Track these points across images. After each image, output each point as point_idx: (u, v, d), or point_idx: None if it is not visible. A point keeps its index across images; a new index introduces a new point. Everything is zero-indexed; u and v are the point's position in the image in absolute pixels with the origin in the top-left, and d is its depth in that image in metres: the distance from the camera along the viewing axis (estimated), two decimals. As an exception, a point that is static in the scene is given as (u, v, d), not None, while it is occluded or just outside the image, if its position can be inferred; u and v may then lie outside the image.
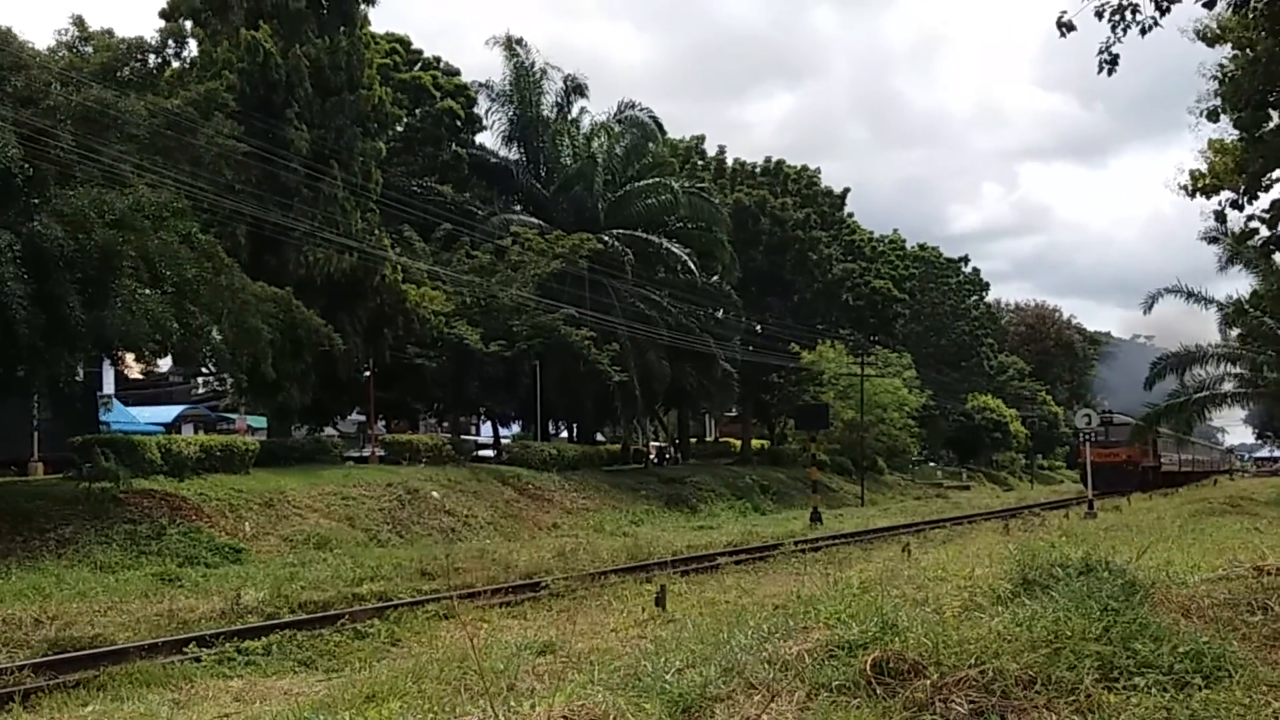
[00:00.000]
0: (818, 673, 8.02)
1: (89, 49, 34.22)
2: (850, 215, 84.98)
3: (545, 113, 61.43)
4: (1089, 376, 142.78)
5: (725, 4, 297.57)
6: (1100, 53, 14.45)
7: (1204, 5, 15.97)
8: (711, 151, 75.52)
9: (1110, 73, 14.55)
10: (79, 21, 34.61)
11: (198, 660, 13.64)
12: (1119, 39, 14.25)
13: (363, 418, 49.54)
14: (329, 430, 47.23)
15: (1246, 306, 39.68)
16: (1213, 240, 36.19)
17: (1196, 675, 7.99)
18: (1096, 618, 8.85)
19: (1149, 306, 44.87)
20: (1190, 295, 42.82)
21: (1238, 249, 35.06)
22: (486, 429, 62.55)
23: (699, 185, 64.25)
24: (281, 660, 13.13)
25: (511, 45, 60.50)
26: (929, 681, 7.76)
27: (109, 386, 44.82)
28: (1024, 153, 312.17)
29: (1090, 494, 53.05)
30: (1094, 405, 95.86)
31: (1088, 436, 57.79)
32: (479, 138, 60.89)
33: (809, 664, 8.21)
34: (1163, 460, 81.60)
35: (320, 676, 11.74)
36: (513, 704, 7.86)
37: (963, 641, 8.34)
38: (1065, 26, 14.12)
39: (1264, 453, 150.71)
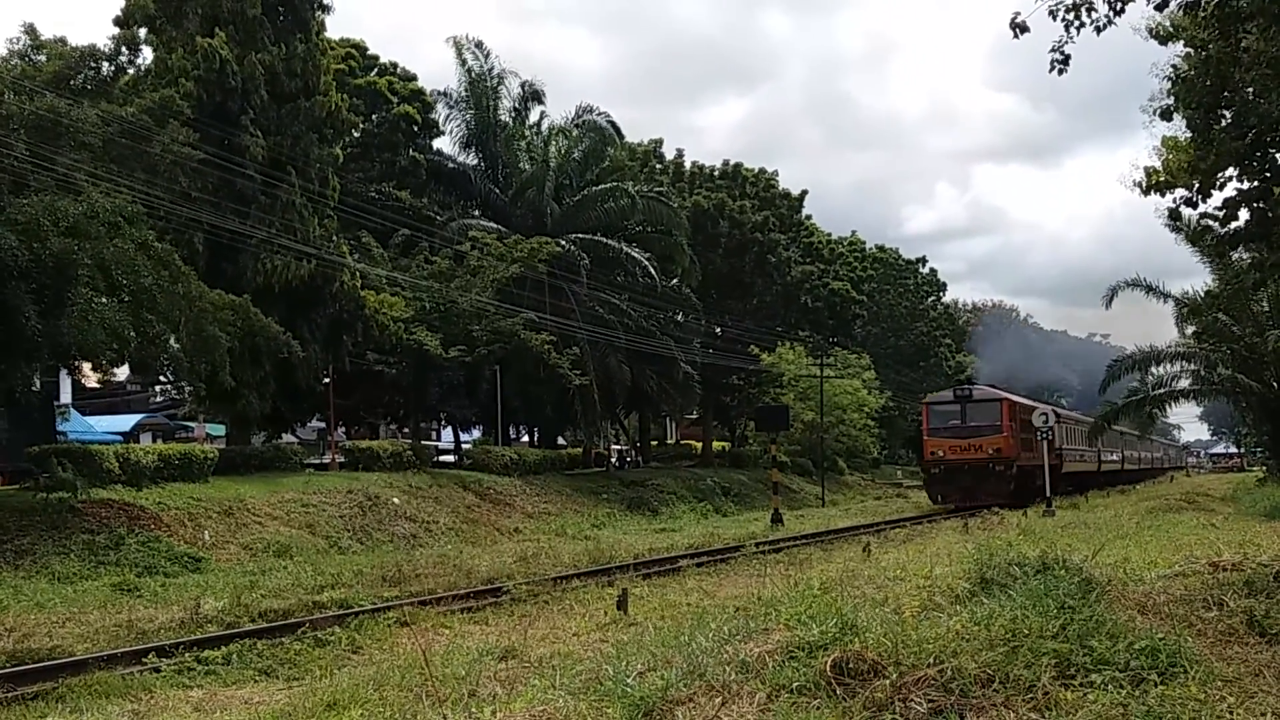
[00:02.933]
0: (778, 674, 8.06)
1: (41, 57, 34.06)
2: (809, 217, 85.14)
3: (502, 117, 61.38)
4: (1049, 375, 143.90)
5: (677, 9, 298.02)
6: (1052, 51, 14.53)
7: (1156, 8, 16.09)
8: (670, 155, 75.56)
9: (1062, 72, 14.63)
10: (31, 29, 34.47)
11: (157, 671, 13.56)
12: (1072, 39, 14.35)
13: (323, 424, 49.37)
14: (289, 437, 46.99)
15: (1201, 304, 40.01)
16: (1175, 229, 36.52)
17: (1152, 672, 8.06)
18: (1053, 616, 8.93)
19: (1109, 300, 45.32)
20: (1148, 289, 43.24)
21: (1194, 245, 35.36)
22: (447, 434, 62.35)
23: (658, 189, 64.26)
24: (242, 669, 13.08)
25: (461, 51, 60.43)
26: (888, 681, 7.80)
27: (66, 396, 44.59)
28: (977, 154, 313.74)
29: (938, 506, 50.69)
30: (1056, 402, 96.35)
31: (936, 424, 51.87)
32: (436, 143, 60.79)
33: (770, 665, 8.25)
34: (1078, 456, 63.18)
35: (281, 685, 11.70)
36: (474, 710, 7.88)
37: (922, 641, 8.39)
38: (1019, 28, 14.20)
39: (1219, 449, 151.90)
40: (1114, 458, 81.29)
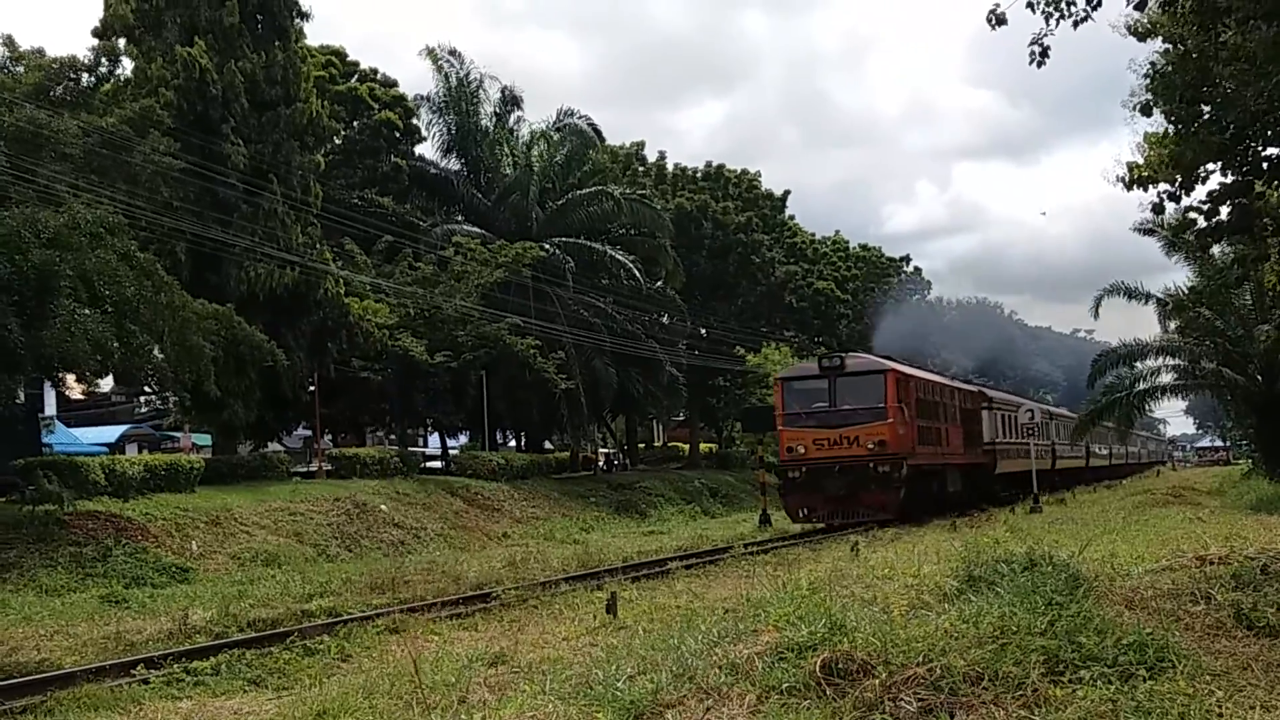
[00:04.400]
0: (768, 675, 8.07)
1: (20, 69, 33.94)
2: (791, 218, 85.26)
3: (484, 122, 61.37)
4: (1033, 371, 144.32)
5: (654, 11, 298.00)
6: (1032, 44, 14.56)
7: (1135, 7, 16.14)
8: (652, 157, 75.62)
9: (1041, 64, 14.65)
10: (9, 41, 34.33)
11: (146, 682, 13.52)
12: (1051, 31, 14.37)
13: (309, 433, 49.26)
14: (275, 446, 46.91)
15: (1185, 301, 40.15)
16: (1148, 232, 36.63)
17: (1141, 667, 8.09)
18: (1041, 612, 8.95)
19: (1096, 309, 45.46)
20: (1131, 294, 43.38)
21: (1175, 239, 35.45)
22: (434, 440, 62.28)
23: (640, 191, 64.30)
24: (231, 680, 13.05)
25: (436, 56, 60.39)
26: (878, 681, 7.82)
27: (50, 408, 44.41)
28: (957, 152, 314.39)
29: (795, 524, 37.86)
30: (1039, 399, 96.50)
31: (795, 409, 37.92)
32: (418, 149, 60.74)
33: (759, 667, 8.26)
34: (997, 449, 49.43)
35: (270, 695, 11.67)
36: (464, 716, 7.88)
37: (910, 640, 8.41)
38: (997, 20, 14.22)
39: (1204, 443, 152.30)
40: (1103, 453, 78.32)
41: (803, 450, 36.82)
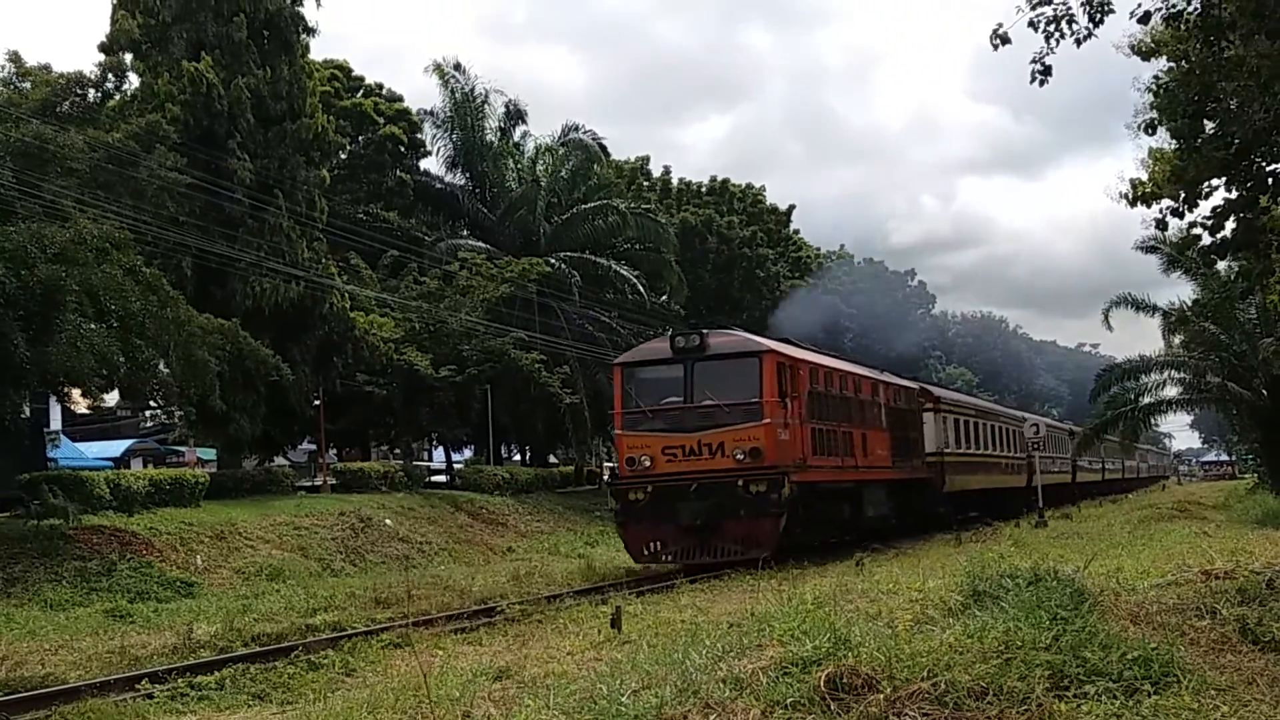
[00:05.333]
0: (772, 690, 8.07)
1: (27, 84, 34.04)
2: (796, 232, 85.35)
3: (488, 137, 61.45)
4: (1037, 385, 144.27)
5: (657, 27, 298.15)
6: (1033, 62, 14.61)
7: (1139, 21, 16.18)
8: (656, 172, 75.70)
9: (1043, 83, 14.72)
10: (15, 57, 34.44)
11: (150, 697, 13.52)
12: (1052, 50, 14.42)
13: (314, 447, 49.29)
14: (280, 460, 46.95)
15: (1189, 314, 40.15)
16: (1150, 250, 36.66)
17: (1145, 682, 8.09)
18: (1046, 627, 8.95)
19: (1106, 319, 45.53)
20: (1138, 306, 43.41)
21: (1178, 256, 35.46)
22: (439, 454, 62.31)
23: (645, 206, 64.37)
24: (235, 694, 13.04)
25: (443, 71, 60.50)
26: (882, 696, 7.81)
27: (56, 422, 44.45)
28: (961, 166, 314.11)
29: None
30: (1046, 412, 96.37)
31: (639, 404, 28.38)
32: (423, 163, 60.90)
33: (764, 681, 8.26)
34: (946, 461, 41.15)
35: (275, 709, 11.67)
36: (468, 731, 7.87)
37: (915, 654, 8.40)
38: (1001, 39, 14.26)
39: (1210, 457, 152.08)
40: (1094, 467, 72.31)
41: (648, 462, 27.43)
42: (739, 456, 26.73)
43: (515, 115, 62.27)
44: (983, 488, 46.56)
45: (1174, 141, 21.04)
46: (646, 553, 27.76)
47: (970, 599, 10.72)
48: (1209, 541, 20.90)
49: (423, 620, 19.26)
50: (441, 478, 52.32)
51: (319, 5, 42.04)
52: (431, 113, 60.42)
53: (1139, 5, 15.71)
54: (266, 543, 31.94)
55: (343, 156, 52.82)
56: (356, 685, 12.36)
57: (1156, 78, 20.96)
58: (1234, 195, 19.47)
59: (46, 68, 35.15)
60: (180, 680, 14.04)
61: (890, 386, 38.16)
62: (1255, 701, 8.18)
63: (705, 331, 29.36)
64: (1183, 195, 20.33)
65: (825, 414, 30.87)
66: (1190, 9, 15.42)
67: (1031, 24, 14.14)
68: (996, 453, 50.10)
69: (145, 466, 46.44)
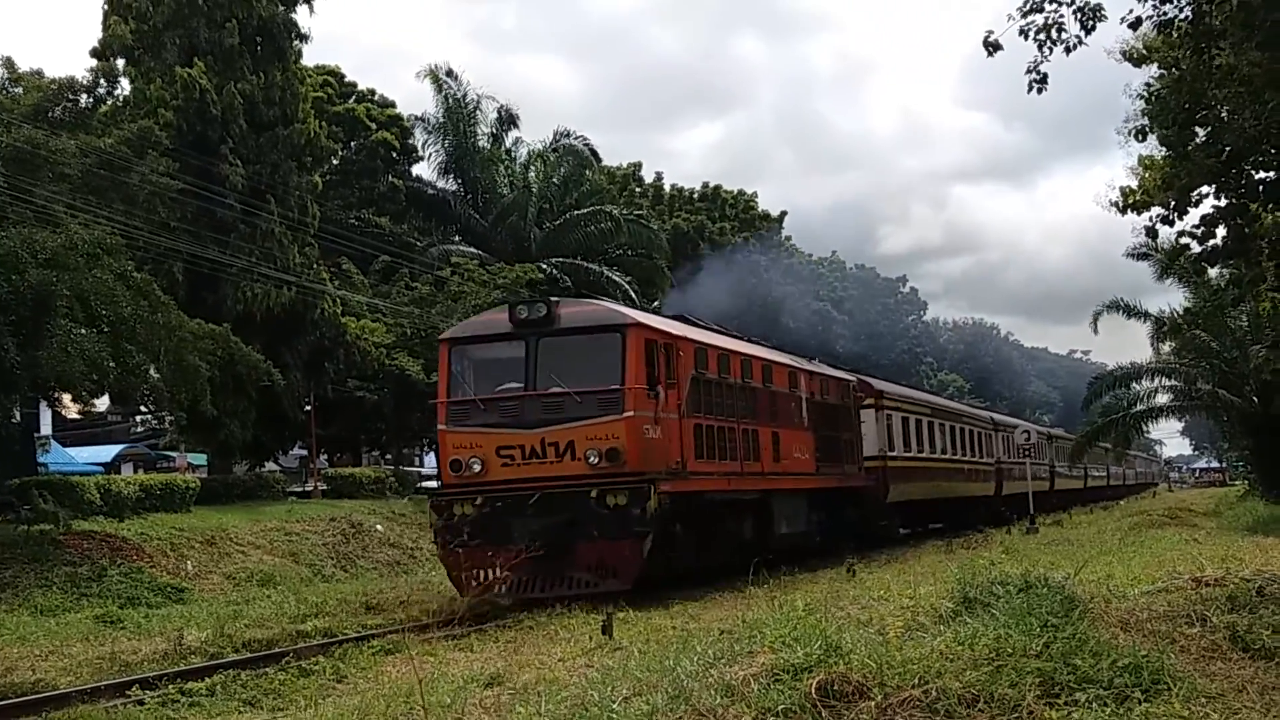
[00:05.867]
0: (763, 697, 8.06)
1: (19, 90, 34.04)
2: (788, 238, 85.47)
3: (480, 143, 61.47)
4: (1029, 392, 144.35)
5: (649, 34, 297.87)
6: (1029, 72, 14.64)
7: (1130, 26, 16.21)
8: (649, 178, 75.78)
9: (1040, 91, 14.75)
10: (8, 62, 34.48)
11: (141, 703, 13.48)
12: (1046, 58, 14.45)
13: (305, 452, 49.24)
14: (271, 466, 46.88)
15: (1180, 321, 40.27)
16: (1141, 256, 36.75)
17: (1136, 689, 8.10)
18: (1037, 634, 8.96)
19: (1095, 324, 45.64)
20: (1128, 311, 43.54)
21: (1169, 264, 35.58)
22: (430, 460, 62.23)
23: (637, 212, 64.42)
24: (226, 700, 13.01)
25: (436, 77, 60.50)
26: (873, 703, 7.82)
27: (46, 427, 44.38)
28: (951, 174, 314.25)
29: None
30: (1038, 419, 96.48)
31: (466, 393, 23.14)
32: (415, 169, 60.90)
33: (755, 688, 8.25)
34: (889, 468, 36.08)
35: (266, 716, 11.66)
36: (459, 738, 7.88)
37: (906, 661, 8.41)
38: (992, 46, 14.29)
39: (1201, 464, 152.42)
40: (1073, 474, 67.15)
41: (478, 467, 21.92)
42: (593, 460, 21.25)
43: (507, 121, 62.31)
44: (938, 497, 42.34)
45: (1164, 149, 21.12)
46: (475, 582, 21.58)
47: (961, 606, 10.73)
48: (1199, 548, 20.99)
49: (414, 626, 19.24)
50: (433, 483, 52.24)
51: (311, 11, 42.10)
52: (423, 118, 60.46)
53: (1130, 11, 15.74)
54: (258, 548, 31.90)
55: (335, 162, 52.88)
56: (348, 692, 12.34)
57: (1148, 84, 21.04)
58: (1224, 203, 19.55)
59: (39, 73, 35.15)
60: (171, 686, 14.01)
61: (816, 377, 32.13)
62: (1245, 709, 8.20)
63: (555, 300, 23.79)
64: (1173, 203, 20.41)
65: (718, 407, 25.01)
66: (1181, 17, 15.45)
67: (1022, 32, 14.17)
68: (956, 457, 45.36)
69: (136, 472, 46.27)
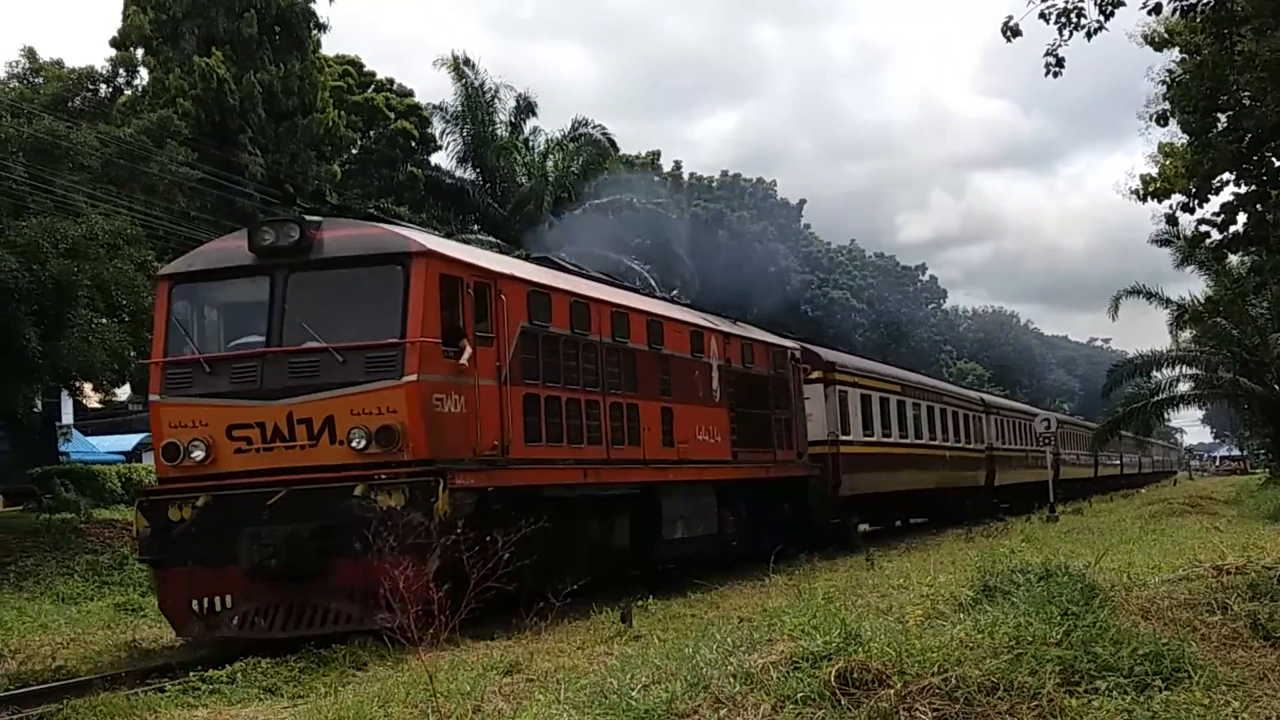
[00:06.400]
0: (782, 685, 8.06)
1: (40, 80, 34.19)
2: (807, 226, 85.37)
3: (499, 132, 61.43)
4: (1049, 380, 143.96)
5: (666, 22, 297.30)
6: (1046, 55, 14.58)
7: (1150, 11, 16.13)
8: (667, 166, 75.76)
9: (1056, 75, 14.67)
10: (29, 53, 34.67)
11: (162, 690, 13.51)
12: (1064, 42, 14.40)
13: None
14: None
15: (1201, 309, 40.09)
16: (1164, 243, 36.54)
17: (1157, 677, 8.08)
18: (1057, 622, 8.94)
19: (1114, 309, 45.37)
20: (1149, 296, 43.35)
21: (1191, 252, 35.45)
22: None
23: (656, 200, 64.37)
24: (246, 688, 13.03)
25: (457, 65, 60.47)
26: (893, 691, 7.81)
27: (68, 417, 44.57)
28: (970, 161, 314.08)
29: None
30: (1058, 407, 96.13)
31: (192, 352, 16.71)
32: (434, 158, 60.88)
33: (774, 677, 8.25)
34: (842, 455, 30.71)
35: (286, 704, 11.68)
36: (478, 726, 7.89)
37: (925, 650, 8.40)
38: (1011, 32, 14.25)
39: (1222, 451, 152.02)
40: (1081, 461, 63.39)
41: (202, 454, 15.99)
42: (359, 443, 15.54)
43: (525, 110, 62.21)
44: (910, 489, 37.08)
45: (1185, 135, 21.03)
46: (194, 614, 16.05)
47: (981, 594, 10.71)
48: (1220, 536, 20.91)
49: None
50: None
51: (330, 1, 42.39)
52: (441, 107, 60.41)
53: (1151, -5, 15.65)
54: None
55: (354, 151, 52.90)
56: (367, 680, 12.38)
57: (1169, 70, 20.93)
58: (1245, 190, 19.45)
59: (59, 63, 35.32)
60: (191, 674, 14.06)
61: (735, 341, 26.01)
62: (1266, 696, 8.18)
63: (315, 221, 17.05)
64: (1194, 190, 20.32)
65: (570, 373, 19.07)
66: (1203, 2, 15.36)
67: (1042, 16, 14.11)
68: (935, 443, 40.08)
69: (157, 461, 46.44)
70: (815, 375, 30.74)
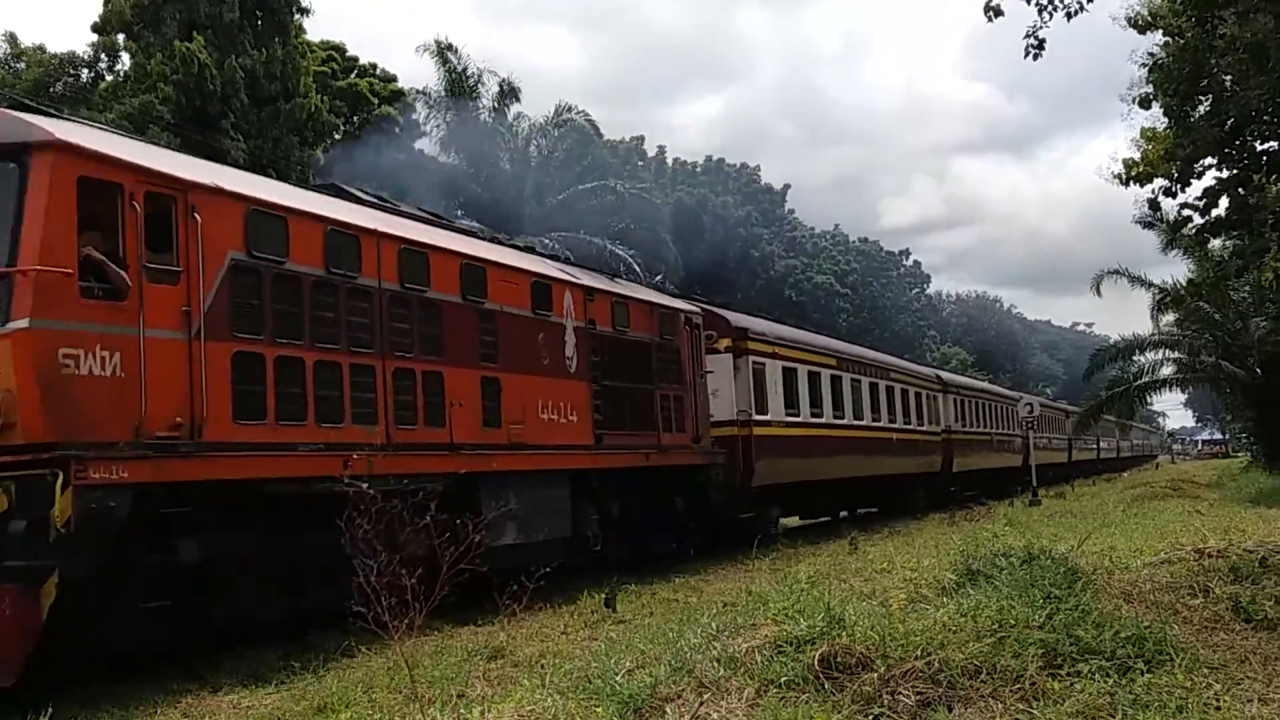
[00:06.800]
0: (766, 669, 8.08)
1: (21, 65, 34.05)
2: (791, 212, 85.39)
3: (482, 117, 61.34)
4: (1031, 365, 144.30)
5: (649, 7, 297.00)
6: (1026, 36, 14.60)
7: (1132, -7, 16.19)
8: (651, 152, 75.70)
9: (1036, 57, 14.71)
10: (11, 38, 34.53)
11: (146, 679, 13.51)
12: (1045, 24, 14.41)
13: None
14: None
15: (1182, 292, 40.18)
16: (1148, 225, 36.57)
17: (1139, 660, 8.11)
18: (1039, 606, 8.97)
19: (1096, 288, 45.40)
20: (1131, 278, 43.44)
21: (1174, 236, 35.52)
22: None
23: (640, 185, 64.36)
24: (231, 675, 13.05)
25: (440, 50, 60.34)
26: (876, 674, 7.83)
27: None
28: (953, 146, 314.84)
29: None
30: (1040, 392, 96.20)
31: None
32: (417, 144, 60.72)
33: (758, 660, 8.27)
34: (756, 438, 26.15)
35: (270, 689, 11.67)
36: (462, 711, 7.90)
37: (909, 633, 8.43)
38: (993, 11, 14.25)
39: (1204, 435, 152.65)
40: (1056, 447, 60.69)
41: None
42: None
43: (509, 94, 62.14)
44: (846, 476, 32.54)
45: (1167, 119, 21.05)
46: None
47: (964, 578, 10.75)
48: (1202, 520, 20.98)
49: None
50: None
51: (312, -15, 42.23)
52: (424, 92, 60.33)
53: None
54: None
55: (337, 137, 52.77)
56: (352, 665, 12.37)
57: (1151, 53, 20.95)
58: (1227, 175, 19.50)
59: (41, 48, 35.22)
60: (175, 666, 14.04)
61: (601, 299, 21.23)
62: (1248, 679, 8.20)
63: None
64: (1176, 174, 20.36)
65: (313, 325, 14.16)
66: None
67: (1023, -4, 14.13)
68: (880, 424, 35.76)
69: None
70: (723, 344, 26.21)
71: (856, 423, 33.37)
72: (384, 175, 55.41)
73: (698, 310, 25.48)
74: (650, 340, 22.58)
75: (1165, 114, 20.74)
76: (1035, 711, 7.36)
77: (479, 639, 13.14)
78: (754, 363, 26.86)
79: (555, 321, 19.27)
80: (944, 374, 46.90)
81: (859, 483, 33.88)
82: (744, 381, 26.43)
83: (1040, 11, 14.19)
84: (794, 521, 33.55)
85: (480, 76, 60.82)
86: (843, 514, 35.64)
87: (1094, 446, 72.81)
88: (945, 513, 33.40)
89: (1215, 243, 29.21)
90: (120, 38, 38.48)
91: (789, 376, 28.95)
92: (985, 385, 56.77)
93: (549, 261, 21.85)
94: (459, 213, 58.16)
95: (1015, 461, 49.40)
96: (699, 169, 74.89)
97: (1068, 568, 10.36)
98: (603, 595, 16.07)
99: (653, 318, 22.95)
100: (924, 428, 40.19)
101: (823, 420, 30.85)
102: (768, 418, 27.16)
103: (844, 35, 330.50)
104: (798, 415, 29.18)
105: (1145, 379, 46.79)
